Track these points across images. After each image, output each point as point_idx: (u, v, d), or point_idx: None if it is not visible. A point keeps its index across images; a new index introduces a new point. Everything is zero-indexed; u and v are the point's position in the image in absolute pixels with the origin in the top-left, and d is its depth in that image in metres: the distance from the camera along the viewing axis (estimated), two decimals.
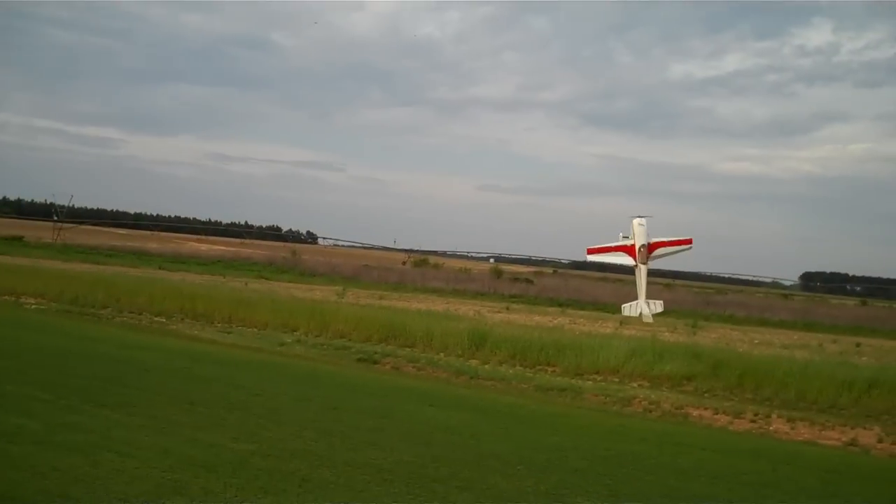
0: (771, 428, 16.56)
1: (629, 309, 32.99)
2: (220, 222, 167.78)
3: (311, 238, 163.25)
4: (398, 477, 9.03)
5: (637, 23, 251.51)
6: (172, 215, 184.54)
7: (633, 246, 34.99)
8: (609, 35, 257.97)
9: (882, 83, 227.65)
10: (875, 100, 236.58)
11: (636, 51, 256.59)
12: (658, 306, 32.90)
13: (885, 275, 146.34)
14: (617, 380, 21.20)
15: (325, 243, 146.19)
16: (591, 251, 38.28)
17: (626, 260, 35.38)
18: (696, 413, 17.53)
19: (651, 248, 35.12)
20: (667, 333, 36.12)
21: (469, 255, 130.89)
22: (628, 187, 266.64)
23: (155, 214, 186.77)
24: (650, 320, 28.84)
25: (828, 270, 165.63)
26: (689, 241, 36.21)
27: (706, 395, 19.97)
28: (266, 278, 62.27)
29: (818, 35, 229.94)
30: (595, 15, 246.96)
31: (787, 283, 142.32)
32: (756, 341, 37.62)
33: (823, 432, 16.35)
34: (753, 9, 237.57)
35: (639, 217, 34.30)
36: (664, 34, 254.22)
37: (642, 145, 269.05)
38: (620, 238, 36.81)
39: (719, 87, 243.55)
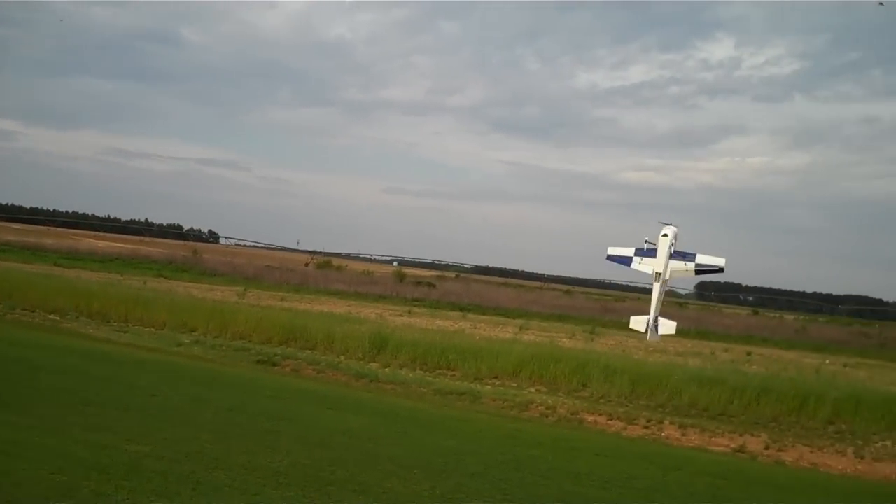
0: (663, 434, 16.97)
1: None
2: (120, 219, 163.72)
3: (213, 237, 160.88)
4: (294, 480, 9.00)
5: (546, 31, 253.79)
6: (70, 210, 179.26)
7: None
8: (518, 42, 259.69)
9: (780, 98, 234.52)
10: (773, 114, 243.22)
11: (544, 59, 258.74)
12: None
13: (776, 286, 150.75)
14: (515, 385, 21.43)
15: (228, 243, 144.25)
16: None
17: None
18: (590, 418, 17.85)
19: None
20: (565, 340, 36.64)
21: (372, 257, 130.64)
22: (534, 194, 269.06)
23: (52, 209, 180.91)
24: (656, 338, 26.61)
25: (722, 280, 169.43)
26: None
27: (601, 400, 20.31)
28: (165, 277, 61.04)
29: (721, 49, 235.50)
30: (505, 22, 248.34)
31: (683, 292, 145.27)
32: (651, 348, 38.32)
33: (713, 439, 16.81)
34: (659, 22, 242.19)
35: (668, 225, 31.19)
36: (572, 43, 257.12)
37: (548, 152, 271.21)
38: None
39: (624, 98, 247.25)
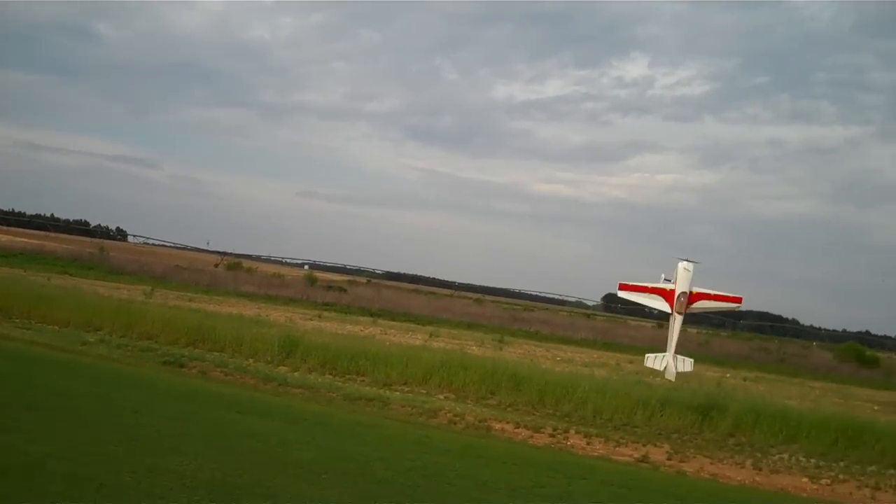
0: (569, 443, 17.20)
1: (654, 361, 27.37)
2: (24, 213, 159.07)
3: (121, 235, 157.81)
4: (201, 484, 8.91)
5: (465, 43, 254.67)
6: None
7: (672, 291, 29.74)
8: (437, 52, 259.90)
9: (690, 118, 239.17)
10: (683, 133, 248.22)
11: (462, 70, 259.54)
12: (687, 364, 27.26)
13: None
14: (424, 391, 21.50)
15: (136, 241, 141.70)
16: (623, 287, 32.56)
17: (661, 304, 30.21)
18: (498, 426, 17.99)
19: (692, 298, 29.73)
20: (474, 347, 36.83)
21: (284, 260, 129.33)
22: (447, 202, 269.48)
23: None
24: (672, 378, 24.77)
25: None
26: (739, 300, 30.99)
27: (509, 409, 20.50)
28: (70, 274, 59.57)
29: (635, 68, 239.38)
30: (424, 32, 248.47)
31: (590, 304, 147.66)
32: (559, 358, 38.79)
33: (618, 448, 17.10)
34: (577, 39, 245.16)
35: (686, 261, 29.23)
36: (490, 56, 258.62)
37: (463, 162, 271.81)
38: (662, 280, 32.30)
39: (539, 111, 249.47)
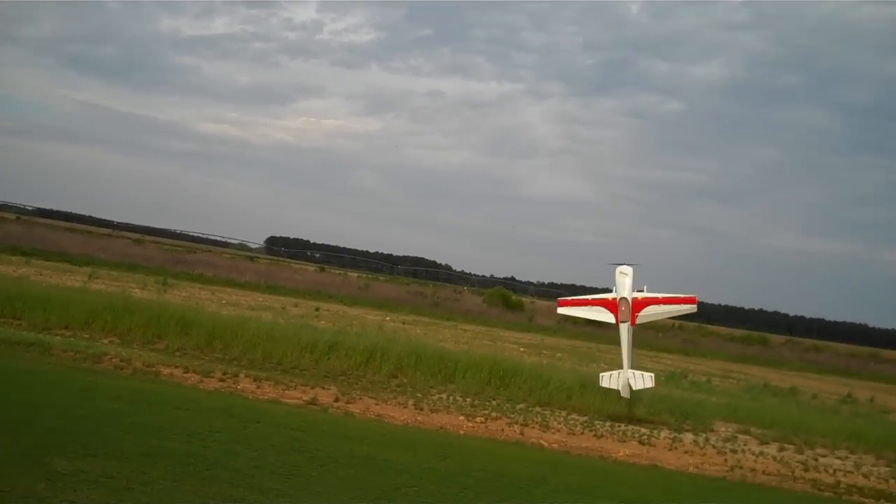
0: (239, 387, 17.37)
1: (609, 379, 23.67)
2: None
3: None
4: None
5: None
6: None
7: (614, 301, 26.01)
8: None
9: (356, 65, 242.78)
10: (349, 80, 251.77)
11: None
12: (647, 380, 23.55)
13: (342, 244, 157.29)
14: (87, 336, 20.83)
15: None
16: (562, 303, 28.23)
17: (606, 317, 25.93)
18: (167, 371, 17.81)
19: (639, 304, 25.51)
20: (137, 290, 35.83)
21: None
22: (108, 137, 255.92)
23: None
24: (627, 396, 21.82)
25: (292, 236, 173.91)
26: (692, 300, 27.16)
27: (177, 353, 20.34)
28: None
29: (305, 11, 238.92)
30: None
31: (254, 246, 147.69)
32: (224, 301, 38.60)
33: (287, 392, 17.51)
34: None
35: (623, 265, 25.27)
36: None
37: (125, 96, 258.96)
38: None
39: (207, 48, 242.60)
